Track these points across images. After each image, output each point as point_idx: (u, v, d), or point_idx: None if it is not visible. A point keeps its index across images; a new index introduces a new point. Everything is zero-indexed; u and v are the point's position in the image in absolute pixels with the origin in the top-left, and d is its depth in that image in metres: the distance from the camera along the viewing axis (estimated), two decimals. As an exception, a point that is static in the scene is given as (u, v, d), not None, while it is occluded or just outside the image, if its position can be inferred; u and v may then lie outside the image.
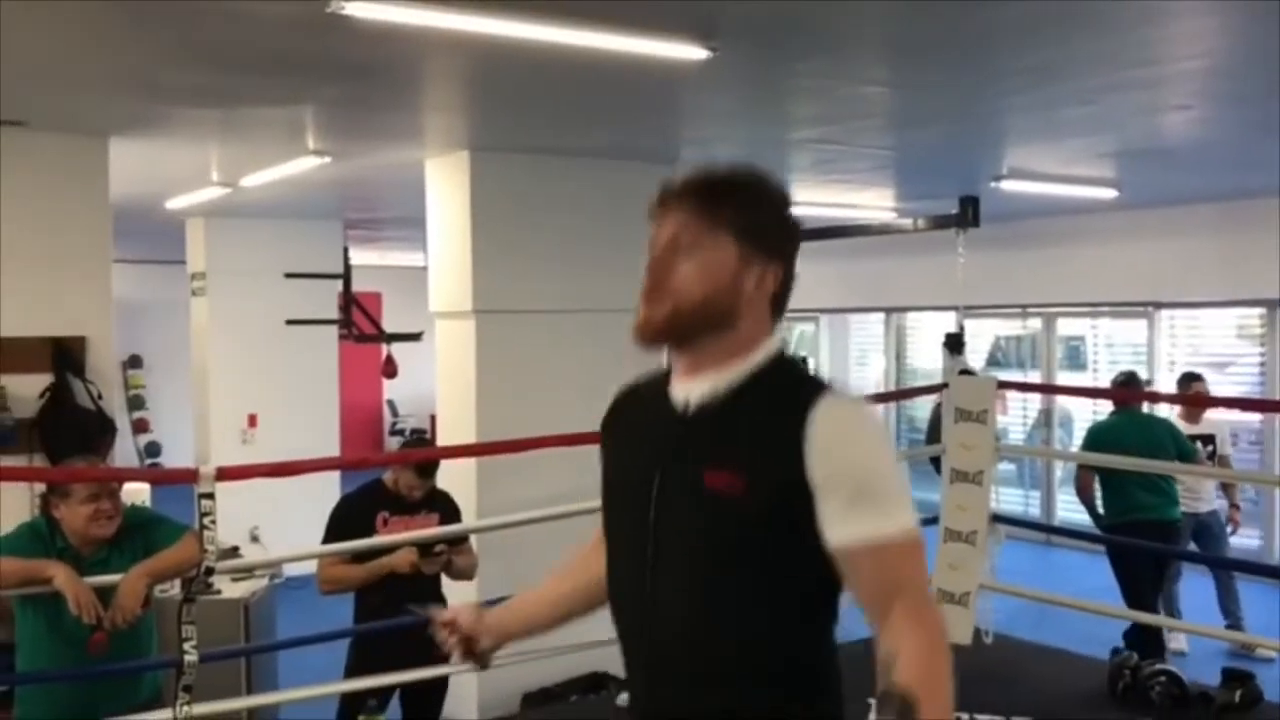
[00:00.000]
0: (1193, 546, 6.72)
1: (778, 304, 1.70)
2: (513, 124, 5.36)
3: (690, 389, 1.68)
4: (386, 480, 4.26)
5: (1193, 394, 6.78)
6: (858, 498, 1.54)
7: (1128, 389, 6.61)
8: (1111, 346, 10.39)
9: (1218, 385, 9.03)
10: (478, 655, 1.95)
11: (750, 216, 1.66)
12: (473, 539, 4.48)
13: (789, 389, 1.63)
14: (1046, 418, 10.54)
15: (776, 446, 1.57)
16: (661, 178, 1.75)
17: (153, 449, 14.53)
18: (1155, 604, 6.13)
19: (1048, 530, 9.40)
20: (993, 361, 11.18)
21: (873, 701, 1.51)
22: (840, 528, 1.55)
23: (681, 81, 4.38)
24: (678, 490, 1.65)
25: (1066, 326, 10.64)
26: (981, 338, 11.15)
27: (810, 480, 1.55)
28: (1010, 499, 10.46)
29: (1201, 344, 9.61)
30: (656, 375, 1.76)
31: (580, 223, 5.95)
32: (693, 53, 3.73)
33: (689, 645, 1.65)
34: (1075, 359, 10.80)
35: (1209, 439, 6.66)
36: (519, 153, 5.81)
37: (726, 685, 1.63)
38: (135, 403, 14.70)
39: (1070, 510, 9.15)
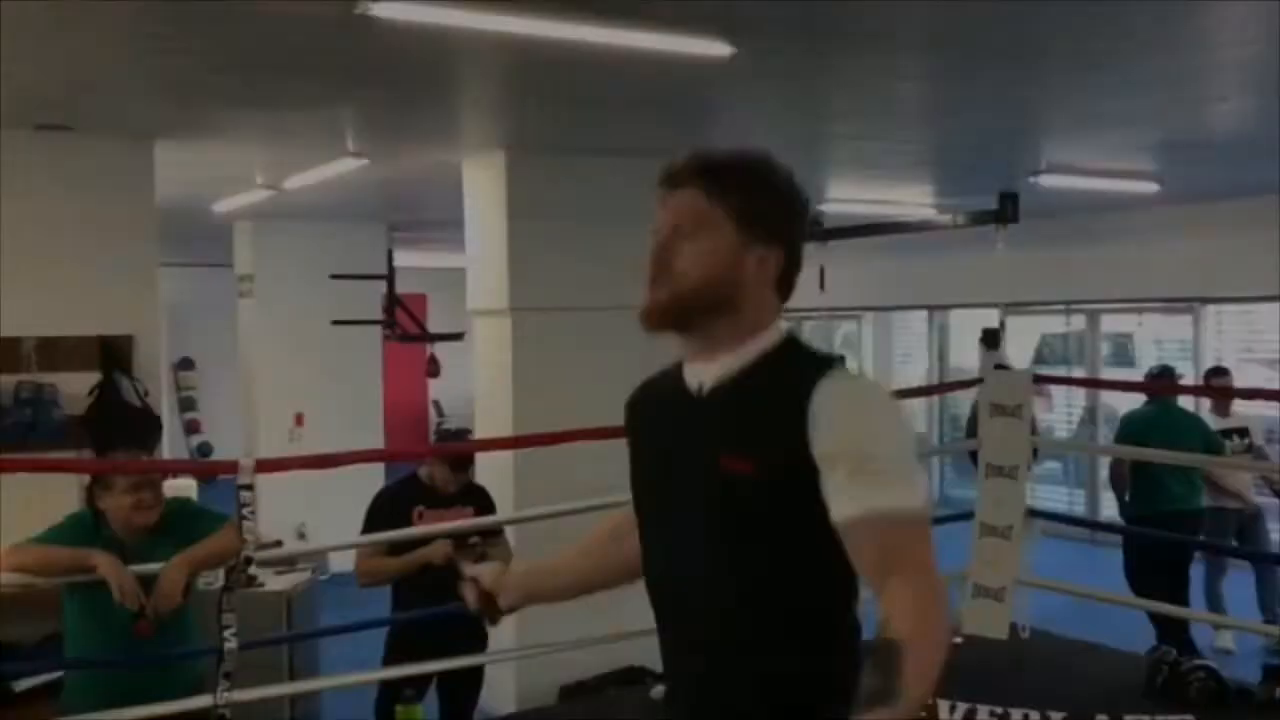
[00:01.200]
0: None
1: (783, 286, 1.73)
2: (547, 124, 5.41)
3: (703, 372, 1.71)
4: (422, 474, 4.31)
5: (1222, 386, 6.72)
6: (858, 472, 1.54)
7: (1162, 381, 6.61)
8: (1159, 343, 10.25)
9: (1271, 381, 8.90)
10: (492, 612, 2.02)
11: (750, 200, 1.69)
12: (507, 531, 4.53)
13: (795, 368, 1.65)
14: (1091, 415, 10.41)
15: (781, 425, 1.59)
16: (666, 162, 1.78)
17: (204, 449, 14.76)
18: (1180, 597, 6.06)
19: (1086, 525, 9.28)
20: (1040, 359, 11.05)
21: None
22: (840, 502, 1.55)
23: (714, 79, 4.38)
24: (692, 473, 1.68)
25: (1112, 323, 10.51)
26: (1027, 335, 11.03)
27: (814, 456, 1.56)
28: (1055, 497, 10.34)
29: (1254, 340, 9.45)
30: (670, 367, 1.80)
31: (614, 220, 5.95)
32: (715, 49, 3.74)
33: (709, 619, 1.69)
34: (1123, 356, 10.66)
35: (1243, 431, 6.60)
36: (554, 152, 5.86)
37: (745, 659, 1.66)
38: (187, 404, 14.95)
39: (1115, 509, 9.03)
